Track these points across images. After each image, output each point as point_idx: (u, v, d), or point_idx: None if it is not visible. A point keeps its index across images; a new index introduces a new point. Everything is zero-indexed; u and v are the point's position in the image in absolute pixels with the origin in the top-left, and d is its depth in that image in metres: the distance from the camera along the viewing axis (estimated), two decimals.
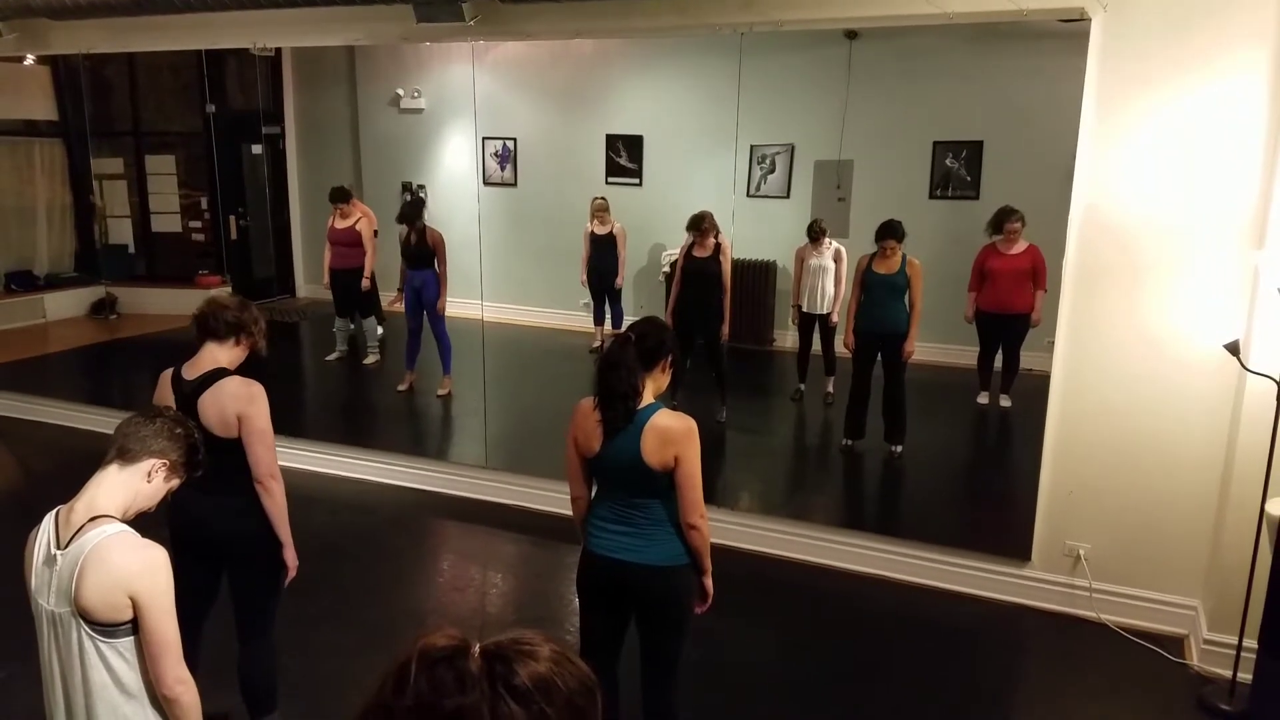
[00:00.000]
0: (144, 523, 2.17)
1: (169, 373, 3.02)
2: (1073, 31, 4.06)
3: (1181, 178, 3.91)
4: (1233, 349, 3.66)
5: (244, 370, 3.05)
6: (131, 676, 2.05)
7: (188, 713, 2.09)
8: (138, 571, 2.00)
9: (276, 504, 3.00)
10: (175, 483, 2.25)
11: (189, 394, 2.92)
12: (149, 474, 2.17)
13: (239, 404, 2.91)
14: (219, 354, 3.00)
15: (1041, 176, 4.99)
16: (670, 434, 2.70)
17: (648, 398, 2.77)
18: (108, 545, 1.99)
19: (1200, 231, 3.92)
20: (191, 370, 2.97)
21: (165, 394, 2.97)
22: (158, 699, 2.08)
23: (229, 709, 3.18)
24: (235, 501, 2.97)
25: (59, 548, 2.02)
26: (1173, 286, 4.00)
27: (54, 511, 2.10)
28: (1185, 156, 3.90)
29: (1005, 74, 5.45)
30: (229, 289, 7.81)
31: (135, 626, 2.03)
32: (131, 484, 2.14)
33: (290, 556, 3.08)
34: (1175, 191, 3.93)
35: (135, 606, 2.00)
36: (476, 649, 1.01)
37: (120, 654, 2.03)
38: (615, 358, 2.75)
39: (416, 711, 0.96)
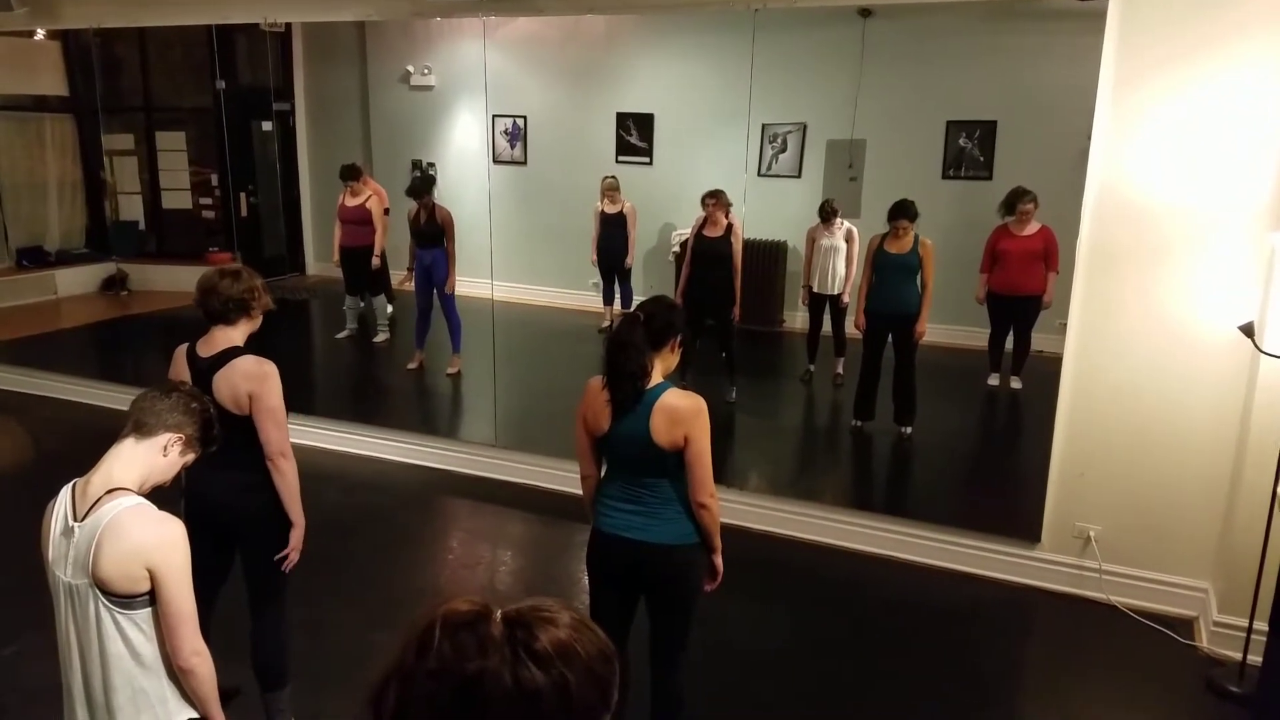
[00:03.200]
0: (158, 498, 2.18)
1: (184, 348, 3.02)
2: (1089, 11, 4.02)
3: (1197, 159, 3.88)
4: (1247, 331, 3.64)
5: (255, 340, 3.06)
6: (148, 648, 2.07)
7: (203, 684, 2.11)
8: (155, 544, 2.02)
9: (287, 483, 3.01)
10: (190, 457, 2.26)
11: (204, 371, 2.93)
12: (165, 448, 2.18)
13: (251, 383, 2.91)
14: (231, 333, 3.00)
15: (1055, 157, 4.96)
16: (679, 413, 2.70)
17: (657, 377, 2.76)
18: (125, 517, 2.00)
19: (1216, 213, 3.89)
20: (206, 348, 2.98)
21: (181, 370, 2.98)
22: (174, 670, 2.10)
23: (240, 683, 3.21)
24: (247, 478, 2.98)
25: (76, 520, 2.03)
26: (1187, 268, 3.97)
27: (71, 484, 2.11)
28: (1202, 137, 3.86)
29: (1020, 53, 5.41)
30: (227, 266, 7.81)
31: (152, 598, 2.04)
32: (148, 458, 2.15)
33: (296, 537, 3.07)
34: (1191, 173, 3.90)
35: (152, 578, 2.02)
36: (498, 615, 1.02)
37: (137, 625, 2.05)
38: (624, 337, 2.74)
39: (438, 675, 0.98)
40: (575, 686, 0.98)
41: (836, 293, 5.96)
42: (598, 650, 1.03)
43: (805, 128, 6.32)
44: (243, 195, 8.07)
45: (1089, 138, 4.06)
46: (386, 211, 7.18)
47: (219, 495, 2.99)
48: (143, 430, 2.16)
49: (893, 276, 5.38)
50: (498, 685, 0.96)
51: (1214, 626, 3.95)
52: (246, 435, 2.93)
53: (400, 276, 7.16)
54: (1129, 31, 3.92)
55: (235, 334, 3.00)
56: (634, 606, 2.95)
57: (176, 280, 8.35)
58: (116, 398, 6.43)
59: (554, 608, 1.04)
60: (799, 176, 6.39)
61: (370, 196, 7.10)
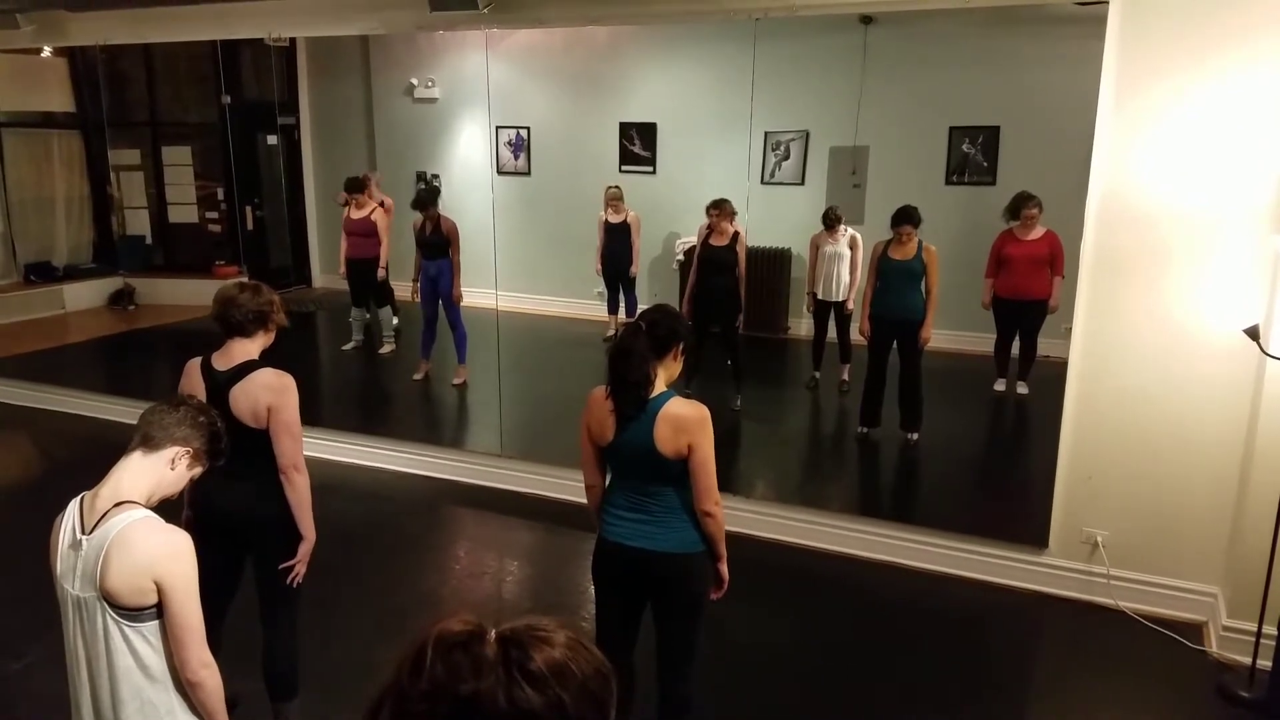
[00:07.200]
0: (167, 508, 2.19)
1: (197, 362, 3.03)
2: (1090, 15, 4.02)
3: (1201, 162, 3.87)
4: (1252, 334, 3.63)
5: (264, 353, 3.08)
6: (156, 660, 2.08)
7: (211, 696, 2.12)
8: (162, 556, 2.03)
9: (299, 495, 3.01)
10: (198, 470, 2.28)
11: (221, 384, 2.94)
12: (172, 461, 2.19)
13: (271, 395, 2.93)
14: (249, 346, 3.02)
15: (1059, 162, 4.95)
16: (683, 422, 2.70)
17: (660, 386, 2.76)
18: (133, 530, 2.02)
19: (1220, 216, 3.88)
20: (223, 361, 2.99)
21: (194, 383, 2.99)
22: (181, 683, 2.10)
23: (244, 692, 3.19)
24: (260, 487, 2.99)
25: (84, 533, 2.04)
26: (1192, 271, 3.96)
27: (79, 497, 2.12)
28: (1204, 141, 3.86)
29: (1022, 59, 5.41)
30: (245, 279, 7.86)
31: (160, 611, 2.05)
32: (155, 471, 2.17)
33: (305, 550, 3.07)
34: (1194, 176, 3.89)
35: (160, 591, 2.02)
36: (492, 635, 1.02)
37: (145, 638, 2.06)
38: (627, 346, 2.74)
39: (432, 696, 0.97)
40: (571, 706, 0.98)
41: (841, 299, 5.96)
42: (594, 669, 1.02)
43: (808, 135, 6.33)
44: (249, 208, 8.10)
45: (1092, 142, 4.05)
46: (386, 207, 7.21)
47: (233, 503, 3.00)
48: (151, 443, 2.17)
49: (897, 282, 5.38)
50: (492, 706, 0.96)
51: (1223, 631, 3.93)
52: (262, 448, 2.94)
53: (407, 288, 7.17)
54: (1130, 36, 3.92)
55: (252, 347, 3.02)
56: (640, 614, 2.95)
57: (183, 294, 8.40)
58: (124, 411, 6.45)
59: (550, 627, 1.03)
60: (802, 184, 6.40)
61: (375, 208, 7.13)
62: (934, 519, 4.84)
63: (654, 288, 7.07)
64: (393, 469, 6.01)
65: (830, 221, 5.89)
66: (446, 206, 6.93)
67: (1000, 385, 5.68)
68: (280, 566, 3.05)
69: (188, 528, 2.44)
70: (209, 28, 6.36)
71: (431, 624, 1.03)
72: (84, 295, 9.11)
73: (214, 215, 8.87)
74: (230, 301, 3.00)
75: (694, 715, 2.98)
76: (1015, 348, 5.51)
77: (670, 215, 7.02)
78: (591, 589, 3.05)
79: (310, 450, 5.75)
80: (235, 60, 7.80)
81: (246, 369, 2.96)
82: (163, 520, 2.09)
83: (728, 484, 4.85)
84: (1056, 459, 4.37)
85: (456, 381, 6.99)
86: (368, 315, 7.57)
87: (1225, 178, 3.84)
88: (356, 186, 7.13)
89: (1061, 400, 4.32)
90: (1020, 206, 5.23)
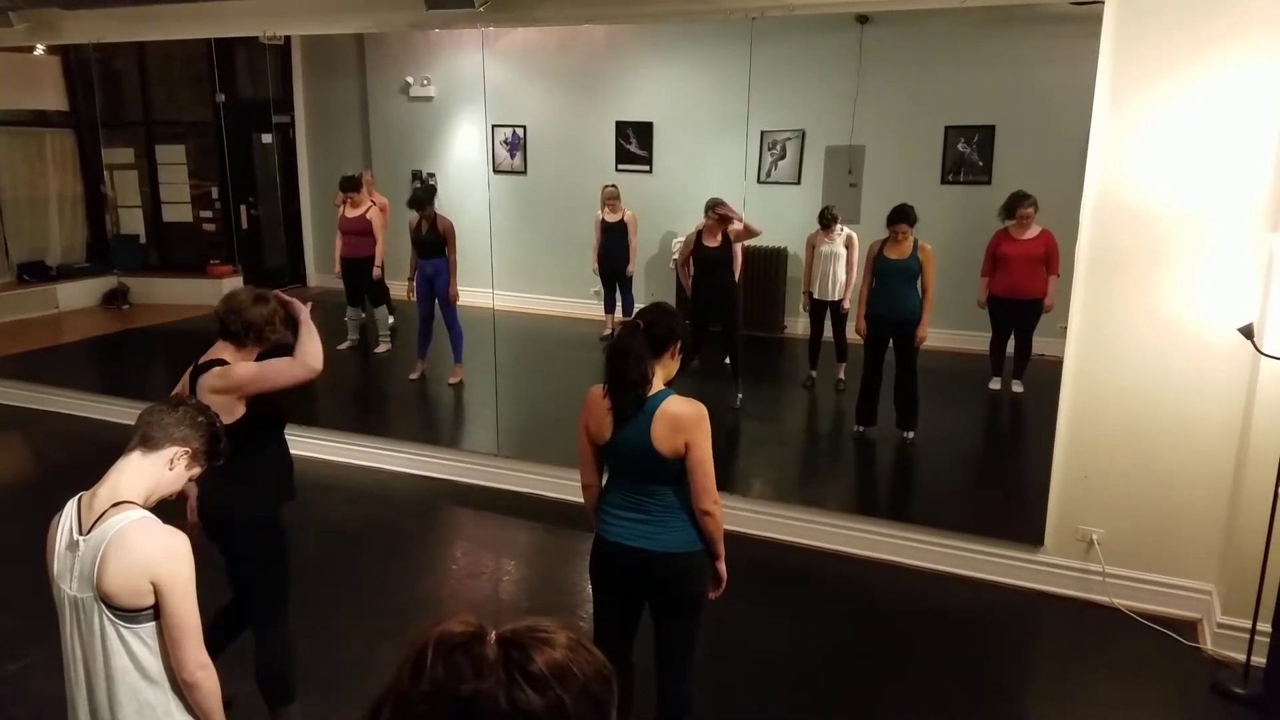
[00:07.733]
0: (164, 508, 2.19)
1: (193, 365, 3.06)
2: (1086, 14, 4.03)
3: (1196, 161, 3.88)
4: (1247, 333, 3.64)
5: (263, 356, 3.09)
6: (153, 661, 2.08)
7: (208, 698, 2.11)
8: (159, 557, 2.02)
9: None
10: (197, 471, 2.27)
11: (194, 379, 2.98)
12: (171, 461, 2.19)
13: (219, 379, 2.93)
14: (225, 351, 3.03)
15: (1054, 161, 4.96)
16: (680, 420, 2.70)
17: (657, 384, 2.76)
18: (130, 531, 2.01)
19: (1215, 215, 3.89)
20: (204, 359, 3.02)
21: (185, 384, 3.02)
22: (178, 684, 2.10)
23: (235, 693, 3.19)
24: (232, 488, 2.98)
25: (81, 533, 2.04)
26: (1186, 270, 3.97)
27: (76, 498, 2.12)
28: (1200, 140, 3.86)
29: (1017, 58, 5.42)
30: (240, 279, 7.86)
31: (157, 612, 2.05)
32: (153, 471, 2.16)
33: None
34: (1189, 175, 3.90)
35: (157, 592, 2.02)
36: (493, 636, 1.01)
37: (142, 639, 2.06)
38: (624, 345, 2.74)
39: (433, 697, 0.97)
40: (572, 708, 0.98)
41: (837, 299, 5.96)
42: (595, 671, 1.02)
43: (804, 134, 6.33)
44: (243, 207, 8.08)
45: (1088, 141, 4.06)
46: (382, 208, 7.20)
47: (212, 502, 3.01)
48: (149, 444, 2.17)
49: (893, 281, 5.38)
50: (493, 707, 0.96)
51: (1218, 628, 3.94)
52: (235, 444, 2.94)
53: (403, 287, 7.16)
54: (1125, 34, 3.92)
55: (226, 351, 3.02)
56: (639, 614, 2.95)
57: (178, 293, 8.39)
58: (119, 411, 6.44)
59: (550, 628, 1.03)
60: (798, 183, 6.40)
61: (370, 207, 7.12)
62: (930, 517, 4.85)
63: (651, 287, 7.06)
64: (389, 469, 6.00)
65: (826, 221, 5.89)
66: (443, 205, 6.92)
67: (996, 384, 5.69)
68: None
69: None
70: (203, 26, 6.34)
71: (432, 625, 1.03)
72: (78, 295, 9.08)
73: (208, 214, 8.84)
74: (233, 305, 3.01)
75: (694, 715, 2.98)
76: (1011, 346, 5.52)
77: (667, 214, 7.01)
78: (590, 589, 3.05)
79: (307, 450, 5.79)
80: (230, 59, 7.78)
81: (212, 365, 2.98)
82: (160, 521, 2.09)
83: (725, 483, 4.85)
84: (1052, 457, 4.38)
85: (453, 381, 6.98)
86: (363, 314, 7.56)
87: (1221, 176, 3.85)
88: (351, 185, 7.12)
89: (1057, 399, 4.33)
90: (1016, 205, 5.24)
